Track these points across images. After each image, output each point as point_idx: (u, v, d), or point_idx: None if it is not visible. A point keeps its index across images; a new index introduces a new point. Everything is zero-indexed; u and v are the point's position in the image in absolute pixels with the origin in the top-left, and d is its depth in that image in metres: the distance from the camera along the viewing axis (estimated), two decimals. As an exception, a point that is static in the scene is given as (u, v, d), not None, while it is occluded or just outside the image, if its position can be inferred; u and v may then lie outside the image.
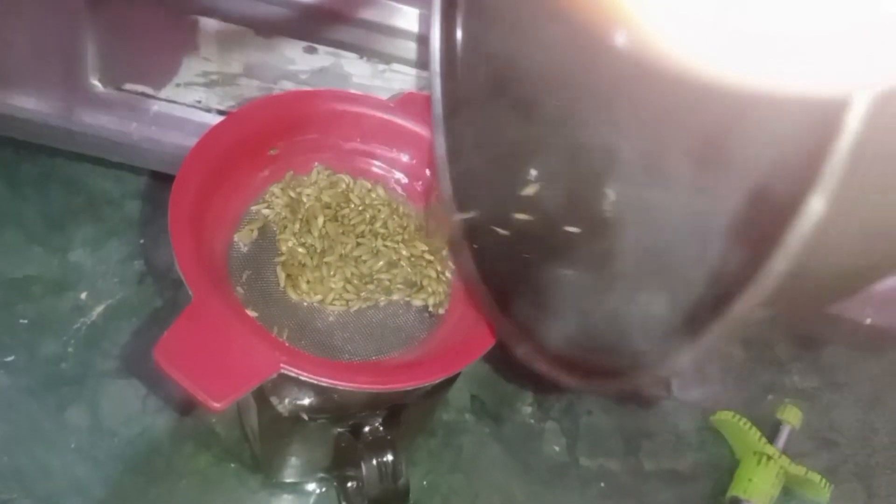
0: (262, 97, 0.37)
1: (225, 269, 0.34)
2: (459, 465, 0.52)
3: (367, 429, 0.38)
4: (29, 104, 0.48)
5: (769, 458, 0.53)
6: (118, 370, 0.50)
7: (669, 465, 0.55)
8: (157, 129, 0.49)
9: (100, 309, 0.52)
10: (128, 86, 0.48)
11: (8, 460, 0.46)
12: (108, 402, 0.49)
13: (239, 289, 0.35)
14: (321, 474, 0.47)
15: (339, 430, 0.39)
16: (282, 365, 0.29)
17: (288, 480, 0.48)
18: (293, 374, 0.29)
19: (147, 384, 0.48)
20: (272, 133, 0.37)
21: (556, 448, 0.54)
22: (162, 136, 0.49)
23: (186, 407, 0.48)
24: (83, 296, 0.52)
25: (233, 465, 0.49)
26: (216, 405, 0.27)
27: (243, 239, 0.36)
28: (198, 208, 0.33)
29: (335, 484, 0.47)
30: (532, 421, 0.54)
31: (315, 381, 0.29)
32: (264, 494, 0.48)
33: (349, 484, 0.44)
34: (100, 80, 0.48)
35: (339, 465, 0.44)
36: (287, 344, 0.33)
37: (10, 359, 0.49)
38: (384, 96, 0.47)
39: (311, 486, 0.48)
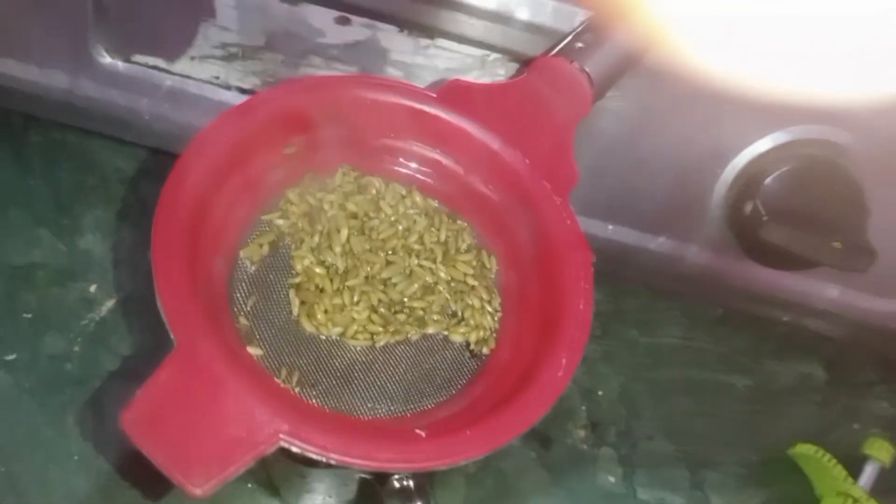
0: (274, 85, 0.30)
1: (225, 296, 0.29)
2: (500, 492, 0.46)
3: (393, 476, 0.33)
4: (29, 74, 0.43)
5: (855, 501, 0.46)
6: (126, 372, 0.46)
7: (739, 500, 0.48)
8: (171, 107, 0.43)
9: (110, 304, 0.47)
10: (137, 57, 0.42)
11: (4, 469, 0.42)
12: (115, 406, 0.44)
13: (242, 319, 0.29)
14: (344, 506, 0.41)
15: (358, 475, 0.33)
16: (281, 437, 0.23)
17: (307, 508, 0.43)
18: (296, 450, 0.23)
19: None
20: (288, 127, 0.31)
21: (612, 478, 0.48)
22: (176, 115, 0.43)
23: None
24: (92, 288, 0.47)
25: (249, 486, 0.44)
26: (197, 492, 0.22)
27: (251, 256, 0.30)
28: (194, 218, 0.27)
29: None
30: (585, 446, 0.48)
31: (322, 459, 0.23)
32: (283, 519, 0.43)
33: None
34: (106, 50, 0.42)
35: (362, 501, 0.39)
36: (294, 394, 0.27)
37: (11, 357, 0.44)
38: (426, 76, 0.40)
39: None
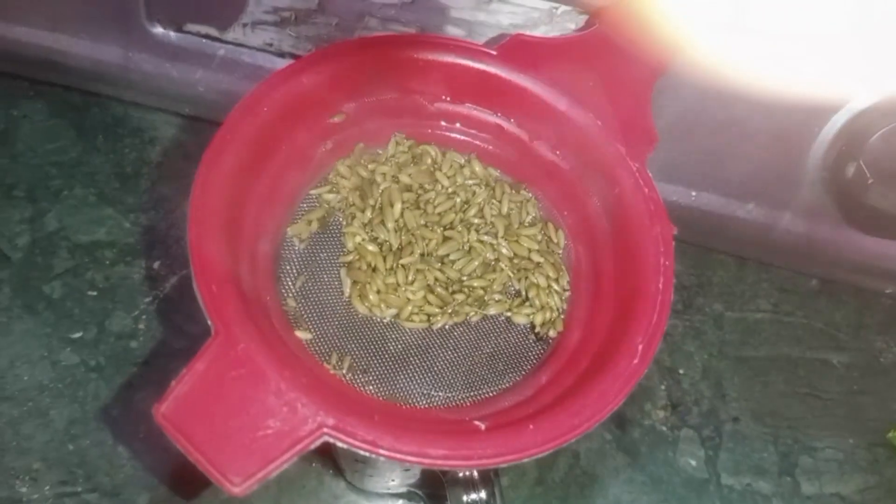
0: (321, 47, 0.28)
1: (271, 277, 0.27)
2: (575, 475, 0.44)
3: (455, 465, 0.31)
4: (83, 49, 0.42)
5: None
6: (190, 349, 0.45)
7: (833, 488, 0.44)
8: (225, 76, 0.42)
9: (174, 280, 0.47)
10: (189, 27, 0.41)
11: (73, 447, 0.42)
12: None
13: (290, 301, 0.27)
14: (408, 489, 0.40)
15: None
16: (325, 431, 0.21)
17: (371, 490, 0.41)
18: (342, 445, 0.21)
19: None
20: (336, 93, 0.29)
21: (693, 462, 0.44)
22: (231, 84, 0.42)
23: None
24: (156, 265, 0.47)
25: (314, 465, 0.43)
26: (235, 490, 0.20)
27: (299, 233, 0.28)
28: (236, 194, 0.25)
29: (425, 500, 0.41)
30: (664, 427, 0.45)
31: (369, 454, 0.21)
32: (349, 499, 0.42)
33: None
34: (158, 20, 0.41)
35: (427, 485, 0.37)
36: (342, 382, 0.25)
37: (77, 335, 0.44)
38: (490, 34, 0.37)
39: (402, 495, 0.42)
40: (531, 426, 0.23)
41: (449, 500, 0.30)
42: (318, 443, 0.21)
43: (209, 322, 0.23)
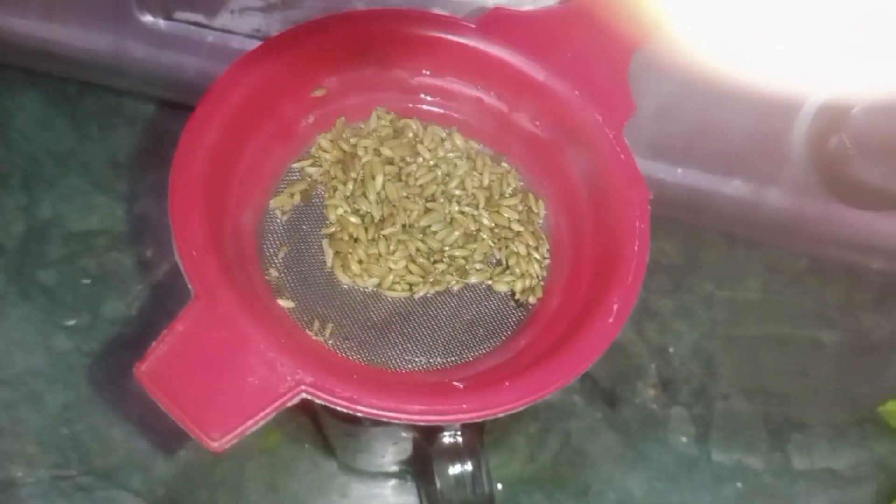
0: (302, 22, 0.28)
1: (254, 248, 0.27)
2: (566, 454, 0.44)
3: (441, 434, 0.31)
4: (74, 38, 0.42)
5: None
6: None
7: (824, 463, 0.45)
8: (214, 63, 0.42)
9: (165, 267, 0.47)
10: (178, 14, 0.41)
11: (68, 431, 0.42)
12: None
13: (272, 271, 0.28)
14: (399, 467, 0.40)
15: (406, 435, 0.32)
16: (303, 388, 0.22)
17: (363, 469, 0.42)
18: (320, 401, 0.22)
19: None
20: (317, 67, 0.29)
21: (684, 439, 0.45)
22: (220, 71, 0.42)
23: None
24: (148, 252, 0.48)
25: (307, 446, 0.43)
26: (214, 444, 0.21)
27: (281, 205, 0.29)
28: (219, 166, 0.26)
29: (417, 478, 0.41)
30: (654, 406, 0.45)
31: (348, 411, 0.22)
32: (342, 480, 0.42)
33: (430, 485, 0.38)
34: (147, 9, 0.41)
35: (417, 461, 0.37)
36: (324, 346, 0.26)
37: (72, 322, 0.45)
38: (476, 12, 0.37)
39: (393, 475, 0.42)
40: (507, 383, 0.23)
41: (436, 474, 0.31)
42: (296, 400, 0.22)
43: (189, 286, 0.23)
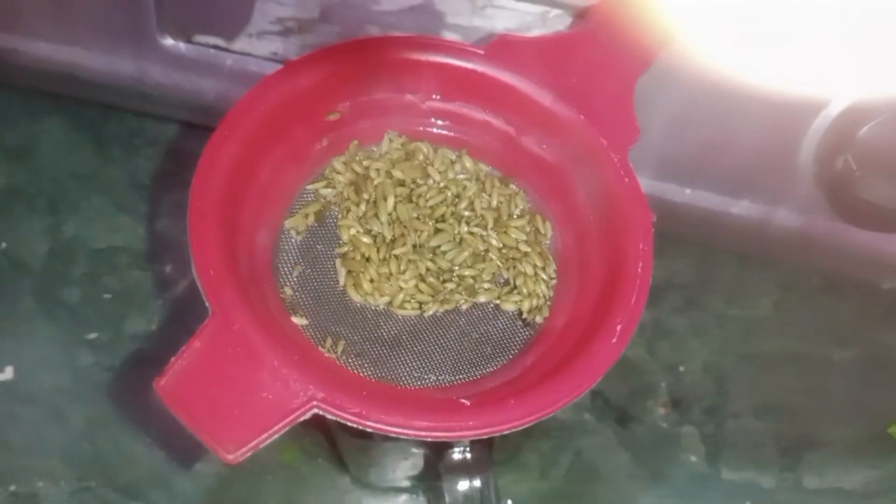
0: (317, 48, 0.29)
1: (269, 267, 0.28)
2: (577, 472, 0.44)
3: (451, 451, 0.32)
4: (96, 62, 0.44)
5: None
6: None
7: (836, 482, 0.45)
8: (233, 86, 0.44)
9: (184, 284, 0.48)
10: (198, 37, 0.43)
11: (89, 446, 0.43)
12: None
13: (287, 289, 0.28)
14: (411, 483, 0.41)
15: (416, 450, 0.32)
16: (315, 404, 0.22)
17: (376, 485, 0.42)
18: (331, 417, 0.22)
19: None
20: (331, 92, 0.30)
21: (694, 458, 0.45)
22: (239, 94, 0.43)
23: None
24: (168, 269, 0.49)
25: (321, 461, 0.44)
26: (229, 457, 0.21)
27: (296, 225, 0.30)
28: (235, 188, 0.27)
29: (428, 494, 0.42)
30: (665, 424, 0.46)
31: (357, 427, 0.22)
32: (355, 495, 0.43)
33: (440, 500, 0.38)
34: (168, 32, 0.43)
35: (427, 476, 0.38)
36: (335, 363, 0.27)
37: (93, 336, 0.46)
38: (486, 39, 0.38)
39: (405, 490, 0.42)
40: (512, 401, 0.24)
41: (445, 490, 0.31)
42: (308, 415, 0.22)
43: (206, 304, 0.24)
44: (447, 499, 0.31)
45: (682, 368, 0.47)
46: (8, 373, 0.45)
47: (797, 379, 0.47)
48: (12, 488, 0.42)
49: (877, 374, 0.47)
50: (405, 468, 0.37)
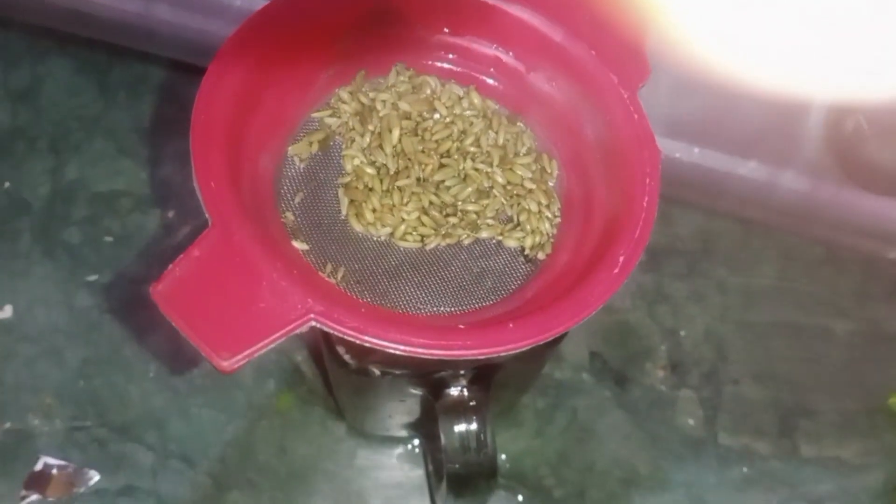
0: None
1: (271, 190, 0.28)
2: (572, 430, 0.44)
3: (448, 390, 0.31)
4: None
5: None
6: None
7: (833, 451, 0.45)
8: (241, 28, 0.43)
9: (186, 230, 0.48)
10: (207, -25, 0.42)
11: (85, 384, 0.43)
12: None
13: (289, 214, 0.28)
14: (407, 432, 0.41)
15: (414, 390, 0.32)
16: (312, 316, 0.22)
17: (371, 433, 0.42)
18: (328, 329, 0.22)
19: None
20: (339, 21, 0.30)
21: (691, 421, 0.45)
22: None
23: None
24: (170, 214, 0.49)
25: (317, 409, 0.44)
26: (224, 364, 0.21)
27: (299, 153, 0.30)
28: (239, 110, 0.27)
29: (424, 442, 0.42)
30: (663, 387, 0.46)
31: (354, 340, 0.22)
32: (350, 445, 0.43)
33: (435, 448, 0.38)
34: (177, -29, 0.42)
35: (425, 424, 0.38)
36: (334, 284, 0.26)
37: (93, 278, 0.46)
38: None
39: (400, 440, 0.42)
40: (511, 324, 0.23)
41: (441, 432, 0.31)
42: (305, 327, 0.22)
43: (206, 215, 0.24)
44: (443, 440, 0.31)
45: (682, 333, 0.47)
46: (7, 311, 0.45)
47: (796, 348, 0.47)
48: (7, 425, 0.42)
49: (875, 346, 0.47)
50: (401, 413, 0.37)
